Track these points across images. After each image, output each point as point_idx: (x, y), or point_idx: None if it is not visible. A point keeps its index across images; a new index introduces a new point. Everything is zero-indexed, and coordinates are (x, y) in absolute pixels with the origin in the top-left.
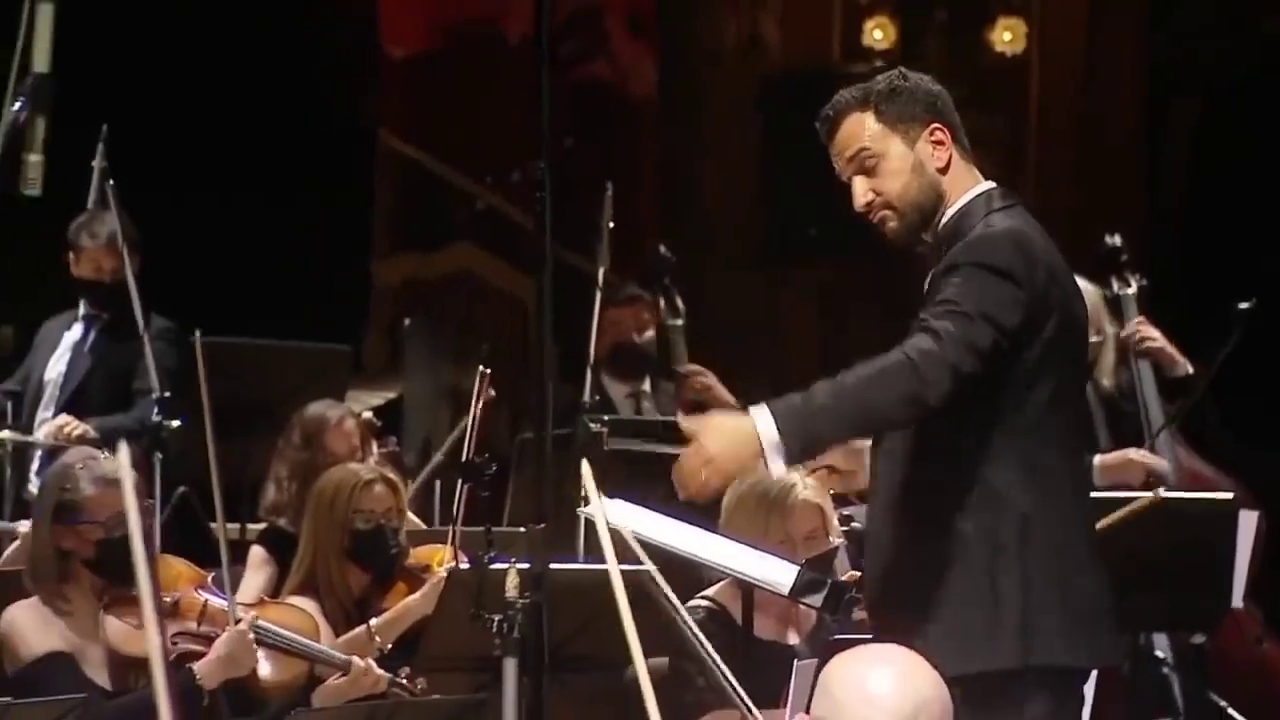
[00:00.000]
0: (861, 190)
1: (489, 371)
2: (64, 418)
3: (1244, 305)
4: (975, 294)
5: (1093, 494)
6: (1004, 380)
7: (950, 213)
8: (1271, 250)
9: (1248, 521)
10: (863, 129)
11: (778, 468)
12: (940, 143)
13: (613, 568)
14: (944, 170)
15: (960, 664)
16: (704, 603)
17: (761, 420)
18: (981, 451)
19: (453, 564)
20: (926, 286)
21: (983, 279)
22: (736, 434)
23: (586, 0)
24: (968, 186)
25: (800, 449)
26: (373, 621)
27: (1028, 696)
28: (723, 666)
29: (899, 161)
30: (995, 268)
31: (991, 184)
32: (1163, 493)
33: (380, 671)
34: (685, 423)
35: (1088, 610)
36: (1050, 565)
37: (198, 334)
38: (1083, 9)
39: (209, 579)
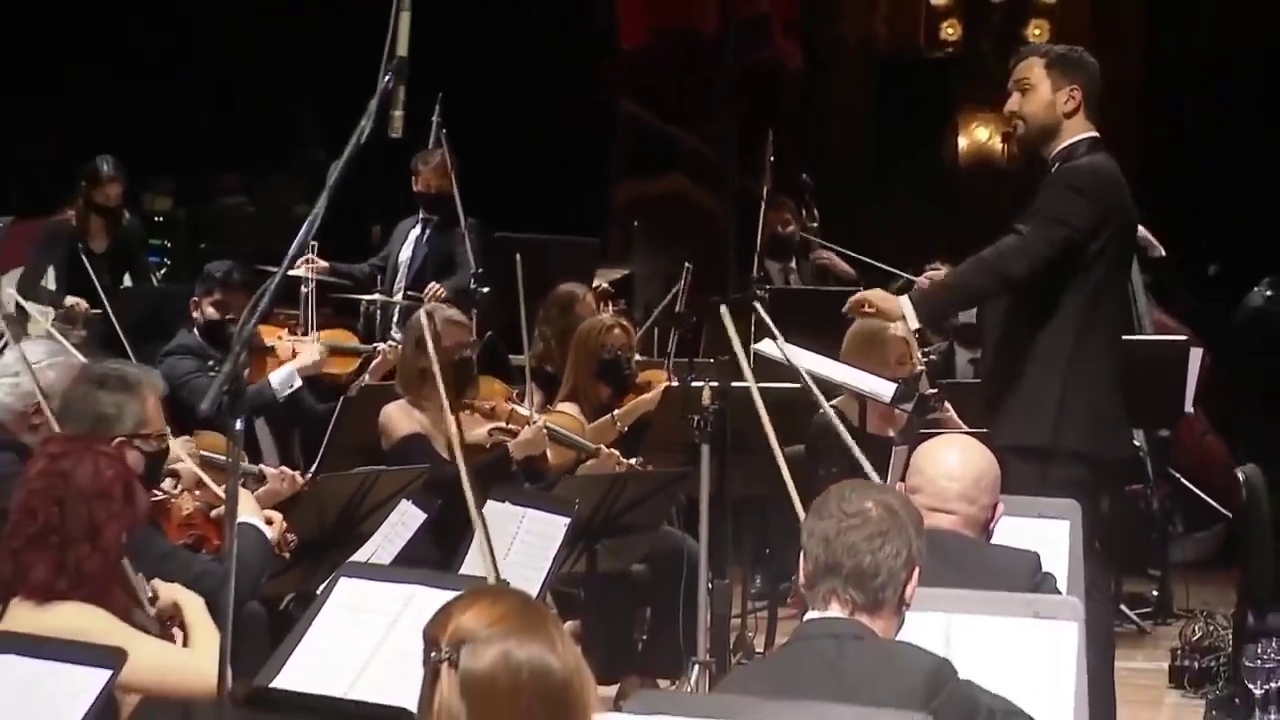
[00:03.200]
0: (1012, 102)
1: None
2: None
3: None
4: (1057, 202)
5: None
6: (1077, 260)
7: (1065, 143)
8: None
9: (1195, 355)
10: (1032, 67)
11: (912, 323)
12: (1073, 99)
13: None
14: (1068, 115)
15: (1011, 436)
16: (830, 407)
17: (904, 300)
18: (1055, 300)
19: (667, 383)
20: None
21: (1064, 193)
22: (893, 300)
23: (755, 8)
24: (1081, 131)
25: (926, 315)
26: (615, 411)
27: (1055, 467)
28: (855, 447)
29: (1042, 95)
30: (1075, 186)
31: (1095, 134)
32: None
33: (622, 459)
34: (871, 295)
35: (1112, 417)
36: (1087, 378)
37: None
38: (1087, 15)
39: (514, 394)
